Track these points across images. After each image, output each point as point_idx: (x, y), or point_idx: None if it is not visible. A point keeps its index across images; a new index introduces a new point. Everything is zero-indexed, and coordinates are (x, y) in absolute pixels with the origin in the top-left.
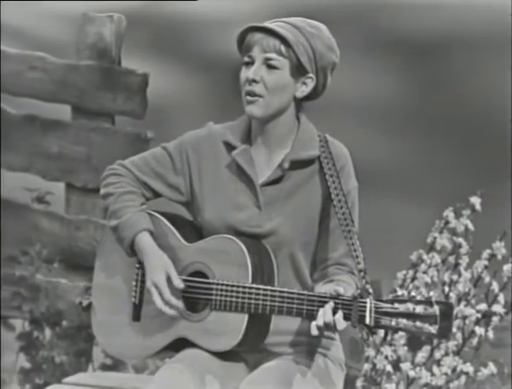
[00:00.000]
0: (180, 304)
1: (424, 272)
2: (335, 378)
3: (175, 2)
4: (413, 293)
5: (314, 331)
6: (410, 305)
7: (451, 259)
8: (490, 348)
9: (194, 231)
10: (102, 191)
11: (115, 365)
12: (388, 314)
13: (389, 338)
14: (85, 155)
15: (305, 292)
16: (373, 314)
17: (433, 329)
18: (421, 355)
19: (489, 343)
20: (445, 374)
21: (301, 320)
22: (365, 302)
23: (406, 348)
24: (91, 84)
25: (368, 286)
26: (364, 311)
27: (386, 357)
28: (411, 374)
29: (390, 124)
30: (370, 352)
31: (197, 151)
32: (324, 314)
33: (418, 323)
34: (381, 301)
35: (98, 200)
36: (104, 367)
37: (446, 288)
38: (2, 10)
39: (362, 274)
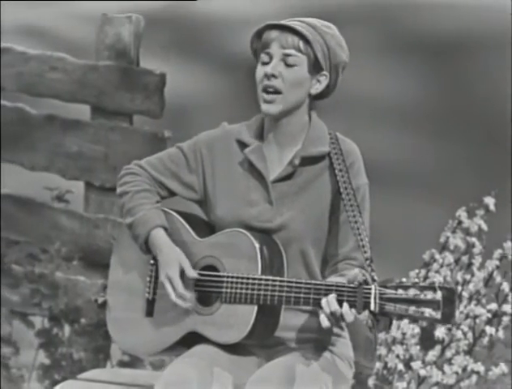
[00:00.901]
0: (192, 298)
1: (437, 271)
2: (344, 374)
3: (194, 3)
4: (416, 279)
5: (325, 323)
6: (413, 291)
7: (464, 259)
8: (504, 348)
9: (207, 228)
10: (118, 190)
11: (132, 362)
12: (392, 300)
13: (400, 336)
14: (103, 154)
15: (312, 281)
16: (377, 301)
17: (436, 314)
18: (432, 354)
19: (504, 343)
20: (456, 373)
21: (311, 316)
22: (370, 289)
23: (418, 347)
24: (109, 84)
25: (373, 273)
26: (369, 297)
27: (398, 356)
28: (422, 372)
29: (404, 124)
30: (382, 350)
31: (210, 150)
32: (328, 304)
33: (421, 309)
34: (386, 287)
35: (116, 199)
36: (122, 364)
37: (459, 288)
38: (21, 12)
39: (368, 262)
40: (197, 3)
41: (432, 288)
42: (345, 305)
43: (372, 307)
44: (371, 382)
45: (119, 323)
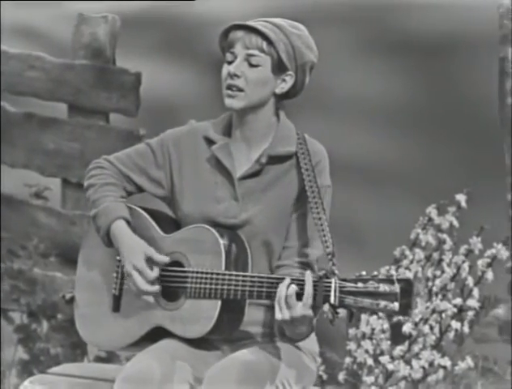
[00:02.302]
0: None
1: (407, 268)
2: (308, 367)
3: (180, 3)
4: (375, 272)
5: (278, 314)
6: (372, 284)
7: (436, 255)
8: (474, 343)
9: (173, 224)
10: (85, 183)
11: (109, 357)
12: (352, 293)
13: (369, 332)
14: (80, 151)
15: (274, 275)
16: (337, 294)
17: (394, 306)
18: (399, 348)
19: (473, 338)
20: (423, 367)
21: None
22: (330, 282)
23: (389, 342)
24: (86, 83)
25: (334, 267)
26: (329, 291)
27: (367, 351)
28: (390, 367)
29: (378, 123)
30: (351, 345)
31: (177, 146)
32: (286, 291)
33: (380, 301)
34: (346, 280)
35: None
36: (99, 359)
37: (430, 284)
38: (15, 12)
39: (330, 257)
40: (182, 4)
41: (390, 280)
42: (292, 287)
43: (332, 300)
44: (341, 376)
45: (86, 319)
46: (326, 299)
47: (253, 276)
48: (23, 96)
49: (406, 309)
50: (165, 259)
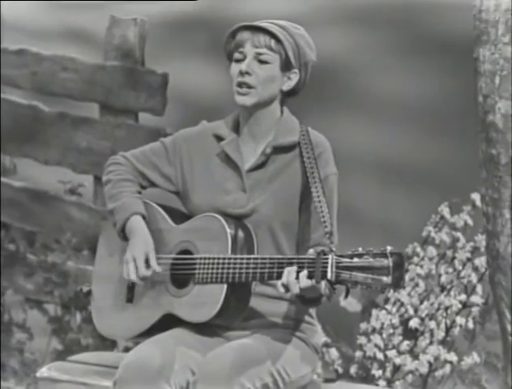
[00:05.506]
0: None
1: (417, 265)
2: (307, 357)
3: (197, 3)
4: (371, 248)
5: (280, 289)
6: (367, 259)
7: (449, 253)
8: (486, 340)
9: (184, 218)
10: (104, 178)
11: None
12: (347, 268)
13: (379, 326)
14: (110, 149)
15: (275, 256)
16: (334, 269)
17: (387, 279)
18: (406, 343)
19: (485, 335)
20: (429, 362)
21: (279, 303)
22: (327, 258)
23: (400, 337)
24: (116, 83)
25: (332, 245)
26: (326, 267)
27: (376, 345)
28: (397, 361)
29: (393, 120)
30: (362, 339)
31: (188, 145)
32: (289, 274)
33: (374, 275)
34: (342, 256)
35: None
36: (128, 350)
37: (441, 280)
38: (69, 16)
39: (328, 236)
40: (212, 6)
41: (383, 254)
42: (304, 271)
43: (329, 276)
44: (353, 370)
45: (101, 311)
46: (324, 275)
47: (256, 258)
48: (57, 96)
49: (398, 281)
50: (157, 269)
